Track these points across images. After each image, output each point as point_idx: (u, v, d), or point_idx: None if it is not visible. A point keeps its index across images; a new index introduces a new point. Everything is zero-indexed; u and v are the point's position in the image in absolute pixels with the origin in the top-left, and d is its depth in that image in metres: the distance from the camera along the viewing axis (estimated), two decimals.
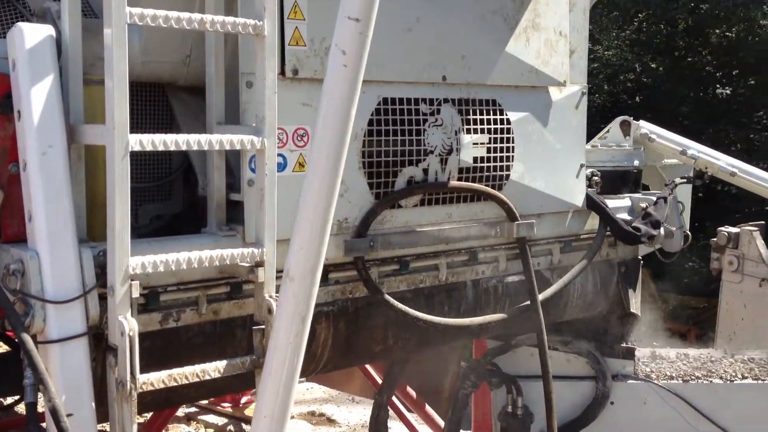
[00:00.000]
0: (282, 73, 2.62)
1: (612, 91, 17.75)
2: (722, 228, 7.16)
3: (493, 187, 3.35)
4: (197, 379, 2.27)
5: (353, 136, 2.88)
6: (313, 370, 3.03)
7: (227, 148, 2.33)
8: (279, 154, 2.58)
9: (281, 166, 2.62)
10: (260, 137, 2.36)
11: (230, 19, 2.28)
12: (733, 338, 7.06)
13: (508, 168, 3.40)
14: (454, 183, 3.21)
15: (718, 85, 16.44)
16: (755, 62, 15.31)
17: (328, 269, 2.92)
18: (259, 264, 2.40)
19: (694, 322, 14.51)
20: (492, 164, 3.34)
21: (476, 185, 3.27)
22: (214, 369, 2.30)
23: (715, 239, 7.13)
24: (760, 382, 3.89)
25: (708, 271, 9.86)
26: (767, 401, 3.88)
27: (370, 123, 2.95)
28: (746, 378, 3.92)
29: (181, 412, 7.26)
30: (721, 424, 3.88)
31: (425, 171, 3.13)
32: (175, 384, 2.21)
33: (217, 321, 2.62)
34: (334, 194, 1.73)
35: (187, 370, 2.25)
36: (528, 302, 3.47)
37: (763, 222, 7.24)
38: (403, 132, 3.04)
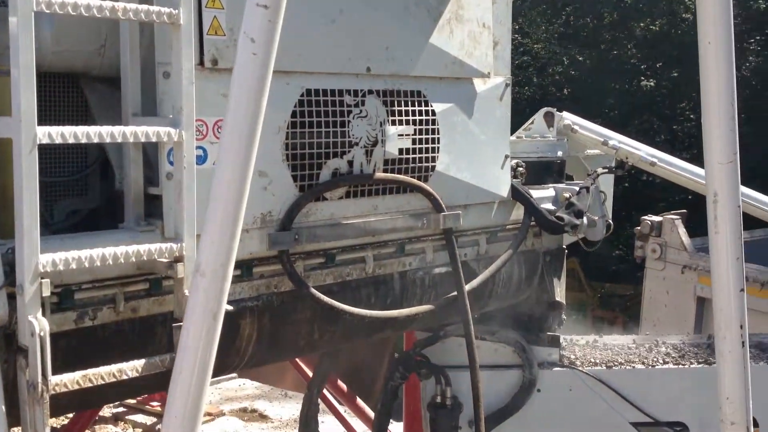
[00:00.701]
0: (201, 63, 2.57)
1: (541, 84, 18.05)
2: (645, 217, 7.37)
3: (419, 178, 3.35)
4: (114, 380, 2.20)
5: (276, 128, 2.86)
6: (237, 365, 2.99)
7: (143, 140, 2.26)
8: (199, 147, 2.52)
9: (201, 159, 2.57)
10: (178, 129, 2.30)
11: (144, 7, 2.21)
12: (657, 324, 7.27)
13: (433, 159, 3.40)
14: (379, 175, 3.19)
15: (642, 78, 16.89)
16: (678, 55, 15.77)
17: (252, 263, 2.88)
18: (179, 259, 2.34)
19: (622, 309, 14.91)
20: (417, 155, 3.34)
21: (402, 177, 3.27)
22: (131, 368, 2.24)
23: (639, 228, 7.33)
24: (680, 366, 3.99)
25: (634, 259, 10.15)
26: (687, 385, 3.98)
27: (294, 115, 2.91)
28: (667, 363, 4.03)
29: (108, 412, 7.11)
30: (643, 408, 3.97)
31: (350, 163, 3.12)
32: (91, 385, 2.14)
33: (136, 319, 2.55)
34: (245, 186, 1.69)
35: (103, 370, 2.19)
36: (455, 293, 3.49)
37: (684, 210, 7.47)
38: (328, 124, 3.01)
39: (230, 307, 2.57)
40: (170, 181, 2.43)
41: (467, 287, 3.50)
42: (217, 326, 1.74)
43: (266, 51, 1.61)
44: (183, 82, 2.27)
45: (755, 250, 7.56)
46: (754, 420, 3.95)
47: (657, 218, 7.26)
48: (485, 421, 3.80)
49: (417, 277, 3.49)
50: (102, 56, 2.62)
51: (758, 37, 15.79)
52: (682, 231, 7.08)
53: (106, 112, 2.70)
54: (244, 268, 2.85)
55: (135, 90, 2.51)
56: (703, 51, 1.78)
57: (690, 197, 15.43)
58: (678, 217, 7.21)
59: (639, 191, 15.97)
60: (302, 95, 2.93)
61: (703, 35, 1.75)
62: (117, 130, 2.20)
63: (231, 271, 1.73)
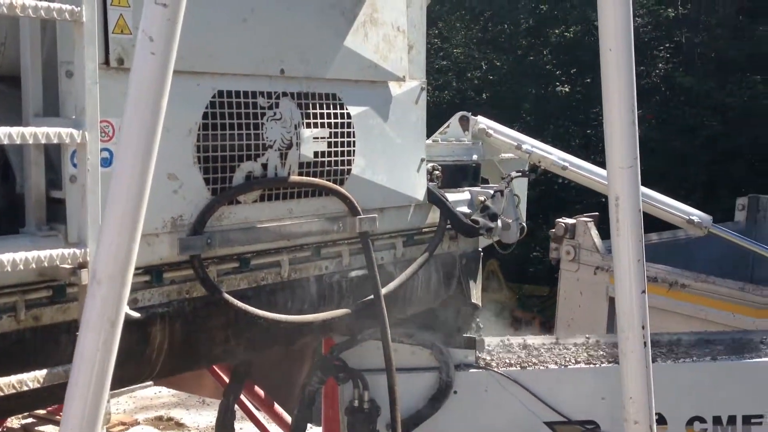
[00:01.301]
0: (106, 62, 2.49)
1: (460, 88, 18.28)
2: (560, 219, 7.55)
3: (334, 181, 3.33)
4: (13, 391, 2.11)
5: (186, 130, 2.80)
6: (148, 375, 2.91)
7: (44, 141, 2.17)
8: (104, 149, 2.44)
9: (106, 161, 2.48)
10: (81, 130, 2.22)
11: (44, 3, 2.13)
12: (572, 324, 7.45)
13: (349, 162, 3.39)
14: (294, 178, 3.16)
15: (557, 83, 17.28)
16: (591, 61, 16.21)
17: (162, 269, 2.80)
18: (82, 265, 2.26)
19: (539, 309, 15.22)
20: (333, 159, 3.32)
21: (317, 180, 3.24)
22: (32, 379, 2.15)
23: (553, 230, 7.50)
24: (591, 366, 4.09)
25: (550, 260, 10.37)
26: (599, 383, 4.08)
27: (205, 116, 2.85)
28: (579, 362, 4.12)
29: (16, 423, 6.83)
30: (556, 407, 4.05)
31: (264, 166, 3.07)
32: None
33: (39, 327, 2.45)
34: (144, 190, 1.64)
35: (2, 381, 2.09)
36: (372, 296, 3.48)
37: (597, 213, 7.68)
38: (241, 126, 2.97)
39: (137, 315, 2.51)
40: (74, 185, 2.34)
41: (384, 290, 3.50)
42: (115, 335, 1.68)
43: (165, 50, 1.56)
44: (86, 81, 2.20)
45: (663, 251, 7.84)
46: (662, 417, 4.10)
47: (571, 221, 7.45)
48: (403, 424, 3.81)
49: (334, 281, 3.47)
50: (2, 55, 2.52)
51: (667, 45, 16.38)
52: (594, 233, 7.28)
53: (7, 113, 2.58)
54: (154, 273, 2.77)
55: (36, 90, 2.40)
56: (604, 58, 1.82)
57: (603, 200, 15.89)
58: (591, 219, 7.41)
59: (555, 194, 16.35)
60: (214, 97, 2.87)
61: (604, 43, 1.80)
62: (16, 131, 2.10)
63: (130, 278, 1.67)
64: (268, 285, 3.20)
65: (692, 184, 14.40)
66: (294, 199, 3.23)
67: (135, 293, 2.72)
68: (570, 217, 7.76)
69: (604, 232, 7.58)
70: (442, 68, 18.79)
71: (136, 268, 2.68)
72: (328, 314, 3.35)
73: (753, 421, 4.01)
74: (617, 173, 1.86)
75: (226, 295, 2.94)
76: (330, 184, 3.29)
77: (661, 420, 4.07)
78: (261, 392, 5.06)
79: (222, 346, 3.10)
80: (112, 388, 2.70)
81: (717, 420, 4.04)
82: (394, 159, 3.62)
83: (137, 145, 1.59)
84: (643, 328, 1.97)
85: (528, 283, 16.41)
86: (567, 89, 17.01)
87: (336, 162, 3.34)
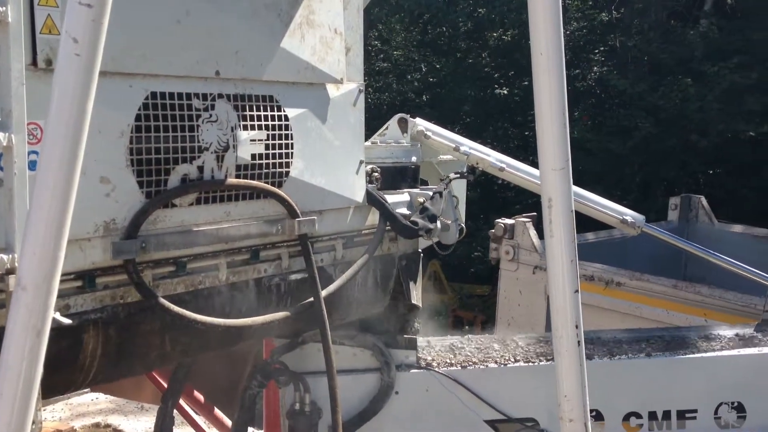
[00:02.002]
0: (34, 63, 2.42)
1: (401, 90, 18.37)
2: (499, 220, 7.64)
3: (272, 184, 3.31)
4: None
5: (119, 132, 2.74)
6: (81, 382, 2.84)
7: None
8: (32, 152, 2.37)
9: (34, 165, 2.42)
10: (7, 133, 2.16)
11: None
12: (512, 323, 7.55)
13: (287, 165, 3.37)
14: (231, 180, 3.13)
15: (496, 86, 17.50)
16: (528, 64, 16.44)
17: (95, 273, 2.74)
18: (11, 271, 2.20)
19: (481, 309, 15.38)
20: (271, 161, 3.30)
21: (255, 182, 3.22)
22: None
23: (493, 230, 7.59)
24: (530, 364, 4.14)
25: (490, 260, 10.45)
26: (537, 381, 4.14)
27: (138, 118, 2.80)
28: (518, 361, 4.17)
29: None
30: (497, 405, 4.09)
31: (200, 168, 3.03)
32: None
33: None
34: (70, 194, 1.60)
35: None
36: (311, 298, 3.47)
37: (535, 213, 7.79)
38: (175, 128, 2.92)
39: (68, 321, 2.45)
40: (0, 189, 2.28)
41: (324, 293, 3.49)
42: (41, 343, 1.63)
43: (90, 51, 1.53)
44: (12, 83, 2.14)
45: (599, 250, 8.01)
46: (599, 413, 4.18)
47: (509, 221, 7.55)
48: (344, 425, 3.81)
49: (273, 283, 3.44)
50: None
51: (602, 48, 16.73)
52: (532, 233, 7.39)
53: None
54: (87, 278, 2.71)
55: None
56: (535, 61, 1.85)
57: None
58: (529, 219, 7.52)
59: (496, 194, 16.55)
60: (147, 98, 2.82)
61: (535, 47, 1.82)
62: None
63: (56, 285, 1.63)
64: (206, 289, 3.16)
65: (628, 185, 14.74)
66: (231, 202, 3.19)
67: (67, 299, 2.66)
68: (509, 217, 7.87)
69: (543, 232, 7.72)
70: (383, 70, 18.85)
71: (68, 274, 2.64)
72: (267, 317, 3.33)
73: (687, 416, 4.12)
74: (550, 175, 1.89)
75: (162, 300, 2.89)
76: (268, 186, 3.27)
77: (599, 416, 4.16)
78: (201, 397, 5.00)
79: (158, 351, 3.05)
80: (45, 395, 2.64)
81: (653, 415, 4.14)
82: (333, 161, 3.62)
83: (62, 149, 1.55)
84: (576, 327, 2.00)
85: (469, 283, 16.58)
86: (505, 91, 17.24)
87: (274, 164, 3.32)
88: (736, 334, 4.48)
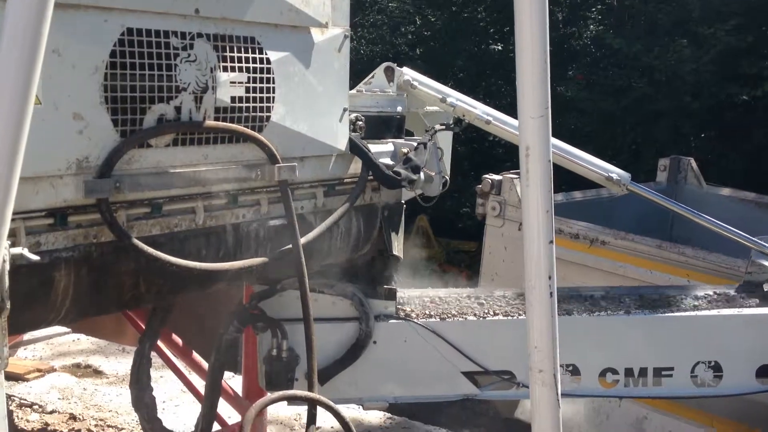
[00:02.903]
0: None
1: (394, 42, 18.15)
2: (487, 175, 7.60)
3: (253, 128, 3.25)
4: None
5: (93, 68, 2.68)
6: (53, 319, 2.82)
7: None
8: None
9: None
10: None
11: None
12: (496, 279, 7.57)
13: (268, 109, 3.31)
14: (209, 123, 3.07)
15: (491, 41, 17.30)
16: None
17: (66, 212, 2.70)
18: None
19: (467, 264, 15.43)
20: (251, 104, 3.24)
21: (234, 126, 3.16)
22: None
23: (480, 186, 7.56)
24: (509, 318, 4.14)
25: (476, 216, 10.44)
26: (515, 335, 4.14)
27: (113, 54, 2.73)
28: (497, 314, 4.17)
29: None
30: (474, 357, 4.10)
31: (178, 109, 2.97)
32: None
33: None
34: (21, 134, 1.53)
35: None
36: (290, 246, 3.44)
37: None
38: (152, 66, 2.85)
39: (36, 258, 2.41)
40: None
41: (303, 240, 3.46)
42: None
43: None
44: None
45: (586, 209, 8.00)
46: (576, 368, 4.19)
47: (497, 177, 7.51)
48: (321, 372, 3.81)
49: (251, 229, 3.41)
50: None
51: (599, 6, 16.54)
52: (519, 189, 7.36)
53: None
54: (58, 216, 2.67)
55: None
56: (517, 6, 1.79)
57: None
58: (517, 175, 7.49)
59: (486, 151, 16.49)
60: (123, 34, 2.75)
61: None
62: None
63: (6, 230, 1.57)
64: (182, 232, 3.13)
65: (619, 145, 14.69)
66: (210, 145, 3.14)
67: (38, 236, 2.62)
68: (498, 173, 7.83)
69: None
70: (376, 22, 18.60)
71: (39, 211, 2.60)
72: (243, 263, 3.30)
73: (664, 373, 4.14)
74: (528, 123, 1.84)
75: (136, 241, 2.86)
76: (248, 130, 3.21)
77: (575, 371, 4.18)
78: (179, 341, 5.00)
79: (132, 292, 3.03)
80: (16, 331, 2.62)
81: (629, 371, 4.16)
82: (316, 107, 3.56)
83: (15, 80, 1.47)
84: (549, 278, 1.97)
85: (457, 239, 16.61)
86: (500, 47, 17.05)
87: (254, 108, 3.26)
88: (717, 294, 4.48)
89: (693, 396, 4.28)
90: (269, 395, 3.29)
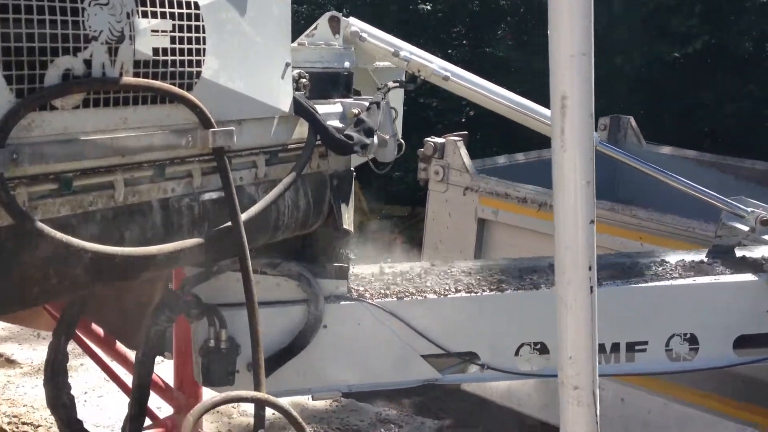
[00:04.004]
0: None
1: (319, 3, 17.47)
2: (429, 138, 7.19)
3: (180, 86, 2.74)
4: None
5: None
6: None
7: None
8: None
9: None
10: None
11: None
12: (440, 246, 7.21)
13: (198, 63, 2.80)
14: (128, 79, 2.54)
15: (419, 1, 16.81)
16: None
17: None
18: None
19: (400, 230, 15.07)
20: (178, 58, 2.72)
21: (158, 83, 2.64)
22: None
23: (422, 149, 7.15)
24: (472, 294, 3.76)
25: (412, 179, 10.06)
26: (479, 313, 3.78)
27: None
28: (459, 291, 3.78)
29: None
30: (435, 339, 3.72)
31: (87, 63, 2.44)
32: None
33: None
34: None
35: None
36: (229, 223, 2.96)
37: (466, 132, 7.38)
38: (53, 10, 2.30)
39: None
40: None
41: (243, 216, 2.98)
42: None
43: None
44: None
45: (529, 171, 7.69)
46: (544, 346, 3.86)
47: (440, 140, 7.12)
48: (267, 362, 3.35)
49: (183, 205, 2.91)
50: None
51: None
52: (463, 152, 7.00)
53: None
54: None
55: None
56: None
57: (464, 120, 15.72)
58: (460, 138, 7.11)
59: (416, 113, 16.06)
60: None
61: None
62: None
63: None
64: (99, 211, 2.61)
65: None
66: (129, 106, 2.61)
67: None
68: (435, 136, 7.42)
69: (472, 152, 7.33)
70: None
71: None
72: (176, 245, 2.80)
73: (637, 348, 3.85)
74: (565, 63, 1.41)
75: (40, 225, 2.34)
76: (175, 88, 2.70)
77: (544, 349, 3.84)
78: (100, 330, 4.45)
79: (40, 286, 2.50)
80: None
81: (601, 348, 3.82)
82: (254, 62, 3.05)
83: None
84: (590, 268, 1.56)
85: (388, 204, 16.19)
86: (429, 7, 16.56)
87: (182, 62, 2.74)
88: (686, 261, 4.21)
89: (668, 372, 4.01)
90: (211, 399, 2.82)
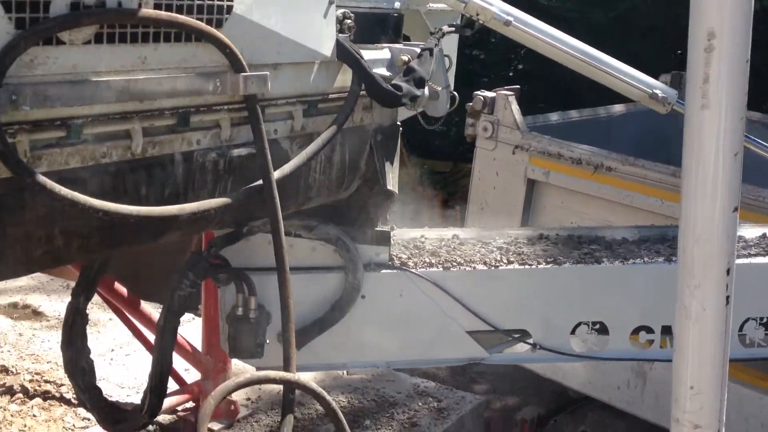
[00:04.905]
0: None
1: None
2: (478, 92, 6.74)
3: (209, 22, 2.39)
4: None
5: None
6: None
7: None
8: None
9: None
10: None
11: None
12: (485, 207, 6.81)
13: None
14: (147, 11, 2.19)
15: None
16: None
17: None
18: None
19: (441, 186, 14.66)
20: None
21: (183, 17, 2.29)
22: None
23: (471, 104, 6.71)
24: (526, 267, 3.40)
25: (456, 134, 9.58)
26: (533, 288, 3.43)
27: None
28: (512, 263, 3.42)
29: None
30: (483, 314, 3.38)
31: None
32: None
33: None
34: None
35: None
36: (260, 181, 2.63)
37: (518, 86, 6.92)
38: None
39: None
40: None
41: (277, 173, 2.64)
42: None
43: None
44: None
45: (582, 131, 7.22)
46: (604, 326, 3.50)
47: (490, 94, 6.66)
48: (299, 334, 3.05)
49: (208, 160, 2.58)
50: None
51: None
52: (515, 108, 6.55)
53: None
54: None
55: None
56: None
57: (512, 74, 15.12)
58: (512, 93, 6.65)
59: (461, 65, 15.49)
60: None
61: None
62: None
63: None
64: (113, 164, 2.29)
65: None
66: (149, 44, 2.27)
67: None
68: (487, 90, 6.97)
69: (524, 108, 6.89)
70: None
71: None
72: (199, 205, 2.48)
73: None
74: None
75: (42, 178, 2.02)
76: (202, 25, 2.34)
77: (603, 329, 3.48)
78: (123, 290, 4.19)
79: (43, 249, 2.21)
80: None
81: (666, 329, 3.47)
82: None
83: None
84: (728, 272, 1.19)
85: (431, 158, 15.75)
86: None
87: None
88: (761, 236, 3.80)
89: (744, 359, 3.63)
90: (234, 380, 2.52)
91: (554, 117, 7.36)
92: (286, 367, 2.67)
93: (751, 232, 3.79)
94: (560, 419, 6.79)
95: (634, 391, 6.15)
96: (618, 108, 8.00)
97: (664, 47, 13.26)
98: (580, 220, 6.13)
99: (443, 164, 15.37)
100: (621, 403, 6.22)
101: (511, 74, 14.84)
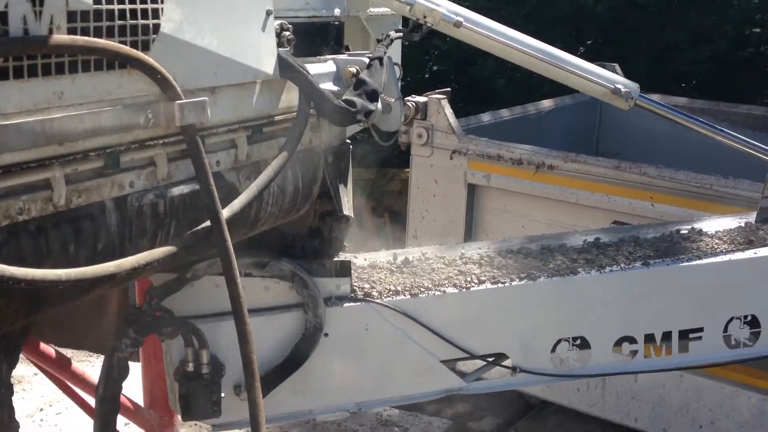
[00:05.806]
0: None
1: None
2: (409, 98, 6.49)
3: (133, 45, 2.03)
4: None
5: None
6: None
7: None
8: None
9: None
10: None
11: None
12: (426, 216, 6.58)
13: (155, 14, 2.08)
14: (61, 37, 1.82)
15: None
16: None
17: None
18: None
19: (368, 194, 14.38)
20: (128, 6, 2.00)
21: (103, 41, 1.92)
22: None
23: None
24: (499, 285, 3.14)
25: (376, 141, 9.31)
26: (509, 307, 3.17)
27: None
28: (483, 282, 3.16)
29: None
30: (458, 341, 3.11)
31: (2, 16, 1.72)
32: None
33: None
34: None
35: None
36: (208, 222, 2.28)
37: (449, 88, 6.70)
38: None
39: None
40: None
41: (226, 212, 2.30)
42: None
43: None
44: None
45: (514, 130, 7.06)
46: (585, 341, 3.27)
47: (421, 99, 6.43)
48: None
49: (145, 203, 2.21)
50: None
51: None
52: (449, 111, 6.33)
53: None
54: None
55: None
56: None
57: (428, 76, 14.96)
58: (443, 96, 6.43)
59: None
60: None
61: None
62: None
63: None
64: (32, 221, 1.91)
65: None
66: (65, 75, 1.90)
67: None
68: (407, 94, 6.72)
69: (457, 111, 6.68)
70: None
71: None
72: (139, 258, 2.11)
73: (691, 336, 3.28)
74: None
75: None
76: (125, 48, 1.99)
77: (584, 344, 3.25)
78: (51, 351, 3.73)
79: None
80: None
81: (649, 338, 3.28)
82: (228, 11, 2.35)
83: None
84: None
85: (354, 168, 15.45)
86: None
87: (133, 13, 2.02)
88: (732, 230, 3.64)
89: (727, 362, 3.46)
90: None
91: (486, 117, 7.18)
92: (254, 421, 2.33)
93: (727, 224, 3.63)
94: (520, 426, 6.61)
95: (595, 391, 6.02)
96: (546, 103, 7.90)
97: (573, 36, 13.35)
98: (526, 222, 5.96)
99: (367, 171, 15.12)
100: (582, 406, 6.08)
101: (426, 76, 14.71)
